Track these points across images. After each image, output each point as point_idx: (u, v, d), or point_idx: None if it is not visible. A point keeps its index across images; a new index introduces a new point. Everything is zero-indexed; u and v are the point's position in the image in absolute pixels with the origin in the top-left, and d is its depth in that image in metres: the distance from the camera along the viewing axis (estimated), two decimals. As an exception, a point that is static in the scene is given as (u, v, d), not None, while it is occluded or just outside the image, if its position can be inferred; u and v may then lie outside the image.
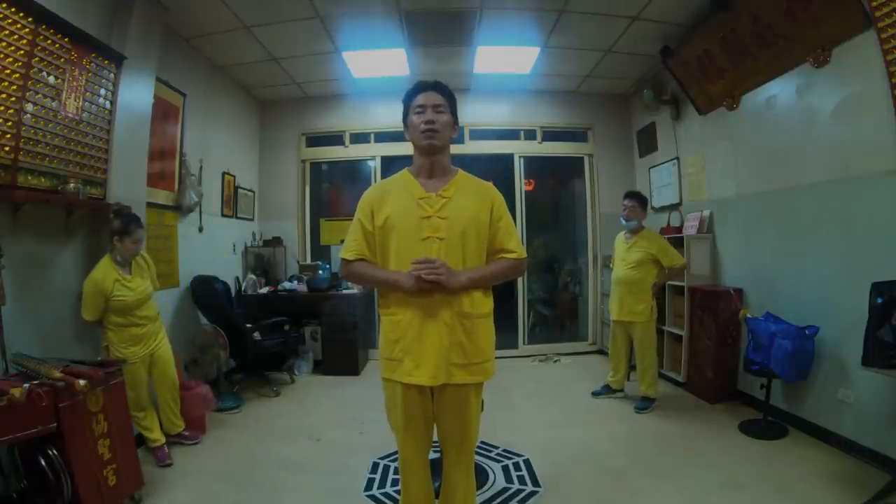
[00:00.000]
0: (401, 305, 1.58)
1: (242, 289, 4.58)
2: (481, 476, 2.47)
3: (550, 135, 5.35)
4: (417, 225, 1.57)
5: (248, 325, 3.84)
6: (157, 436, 2.71)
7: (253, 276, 4.66)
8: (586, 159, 5.39)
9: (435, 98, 1.61)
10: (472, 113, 5.07)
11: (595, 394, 3.78)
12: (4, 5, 2.07)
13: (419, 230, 1.57)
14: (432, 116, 1.58)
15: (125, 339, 2.59)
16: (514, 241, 1.65)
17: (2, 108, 2.08)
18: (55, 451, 1.84)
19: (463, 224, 1.58)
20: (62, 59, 2.39)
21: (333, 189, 5.90)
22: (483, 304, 1.62)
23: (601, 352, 5.14)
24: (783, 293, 3.13)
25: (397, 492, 1.97)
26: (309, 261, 5.22)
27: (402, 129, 1.70)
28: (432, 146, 1.59)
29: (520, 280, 5.17)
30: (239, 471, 2.63)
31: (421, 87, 1.64)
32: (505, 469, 2.58)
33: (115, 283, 2.51)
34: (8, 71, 2.10)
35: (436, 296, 1.53)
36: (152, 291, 2.76)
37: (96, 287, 2.47)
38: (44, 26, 2.26)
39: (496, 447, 2.83)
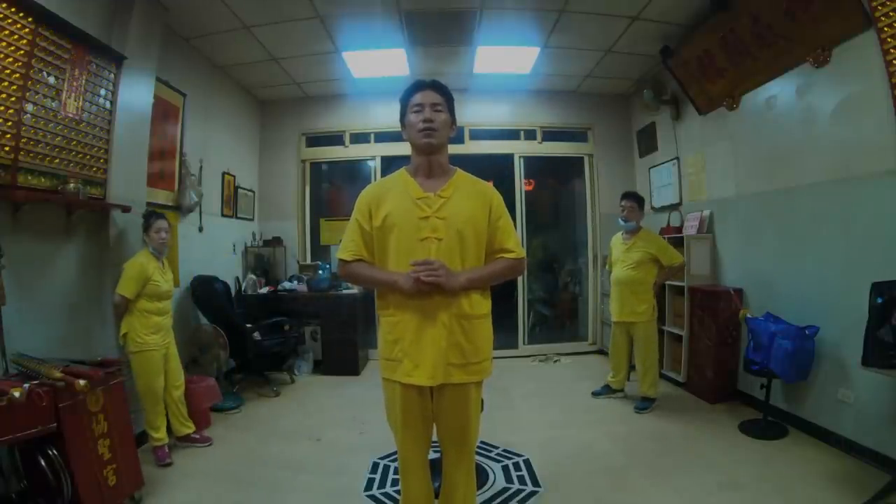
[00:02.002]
0: (399, 307, 1.57)
1: (242, 289, 4.58)
2: (481, 476, 2.47)
3: (550, 135, 5.35)
4: (416, 225, 1.56)
5: (248, 325, 3.84)
6: (162, 435, 2.74)
7: (253, 276, 4.66)
8: (586, 159, 5.39)
9: (433, 97, 1.59)
10: (472, 113, 5.07)
11: (595, 394, 3.78)
12: (4, 5, 2.07)
13: (417, 230, 1.56)
14: (430, 115, 1.57)
15: (149, 326, 2.68)
16: (513, 241, 1.65)
17: (2, 108, 2.08)
18: (55, 451, 1.84)
19: (461, 224, 1.57)
20: (62, 59, 2.39)
21: (333, 189, 5.91)
22: (481, 305, 1.62)
23: (601, 352, 5.14)
24: (783, 293, 3.12)
25: (397, 492, 1.97)
26: (309, 261, 5.23)
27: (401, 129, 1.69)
28: (430, 145, 1.58)
29: (520, 280, 5.17)
30: (239, 471, 2.63)
31: (418, 86, 1.62)
32: (505, 469, 2.58)
33: (155, 271, 2.72)
34: (8, 71, 2.10)
35: (434, 297, 1.52)
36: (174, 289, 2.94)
37: (141, 268, 2.65)
38: (44, 26, 2.26)
39: (496, 447, 2.83)
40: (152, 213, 2.82)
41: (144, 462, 2.46)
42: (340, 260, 1.67)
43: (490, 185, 1.71)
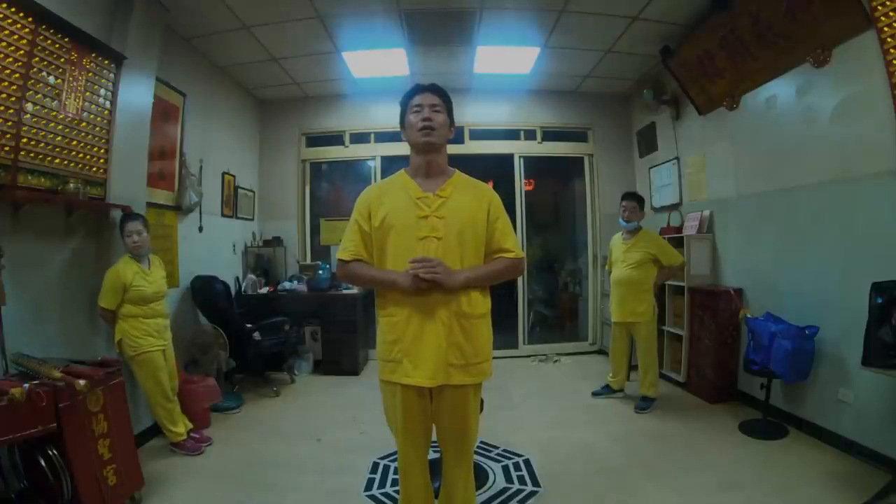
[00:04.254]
0: (398, 305, 1.57)
1: (242, 289, 4.58)
2: (481, 476, 2.47)
3: (550, 135, 5.35)
4: (415, 224, 1.57)
5: (248, 325, 3.84)
6: (181, 429, 2.77)
7: (253, 276, 4.66)
8: (586, 159, 5.39)
9: (432, 98, 1.62)
10: (472, 113, 5.07)
11: (595, 394, 3.78)
12: (4, 5, 2.07)
13: (417, 229, 1.56)
14: (429, 114, 1.59)
15: (141, 330, 2.65)
16: (512, 241, 1.65)
17: (2, 108, 2.08)
18: (55, 451, 1.84)
19: (460, 224, 1.57)
20: (62, 59, 2.39)
21: (333, 189, 5.91)
22: (480, 304, 1.62)
23: (601, 352, 5.14)
24: (783, 293, 3.12)
25: (397, 492, 1.97)
26: (309, 261, 5.23)
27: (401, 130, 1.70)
28: (429, 144, 1.60)
29: (520, 280, 5.17)
30: (239, 471, 2.63)
31: (418, 89, 1.66)
32: (505, 469, 2.58)
33: (135, 275, 2.64)
34: (8, 71, 2.10)
35: (433, 295, 1.52)
36: (166, 289, 2.88)
37: (116, 276, 2.58)
38: (44, 26, 2.26)
39: (496, 447, 2.83)
40: (125, 216, 2.72)
41: (144, 462, 2.45)
42: (339, 260, 1.68)
43: (488, 185, 1.72)
